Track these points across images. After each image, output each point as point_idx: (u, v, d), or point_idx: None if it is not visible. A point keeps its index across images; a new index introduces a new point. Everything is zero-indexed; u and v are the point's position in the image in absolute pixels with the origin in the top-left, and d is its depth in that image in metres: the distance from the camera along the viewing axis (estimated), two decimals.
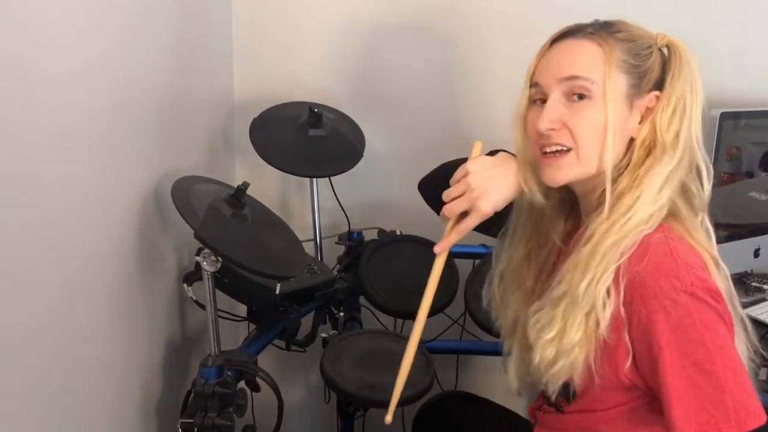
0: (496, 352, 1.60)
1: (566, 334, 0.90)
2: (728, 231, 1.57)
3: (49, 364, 0.97)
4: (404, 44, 1.79)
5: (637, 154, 0.92)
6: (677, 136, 0.91)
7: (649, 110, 0.94)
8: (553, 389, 0.95)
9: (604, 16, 0.97)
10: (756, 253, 1.64)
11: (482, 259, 1.64)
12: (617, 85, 0.91)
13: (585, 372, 0.90)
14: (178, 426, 1.18)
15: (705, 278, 0.85)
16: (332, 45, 1.79)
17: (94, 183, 1.07)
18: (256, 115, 1.60)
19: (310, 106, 1.59)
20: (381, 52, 1.79)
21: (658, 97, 0.93)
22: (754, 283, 1.62)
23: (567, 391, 0.96)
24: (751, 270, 1.67)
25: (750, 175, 1.67)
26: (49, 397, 0.97)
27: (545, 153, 0.94)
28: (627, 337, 0.86)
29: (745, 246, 1.62)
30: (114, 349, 1.17)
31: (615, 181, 0.92)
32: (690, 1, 1.71)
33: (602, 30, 0.93)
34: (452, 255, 1.66)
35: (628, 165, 0.93)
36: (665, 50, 0.95)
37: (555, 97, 0.92)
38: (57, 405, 0.99)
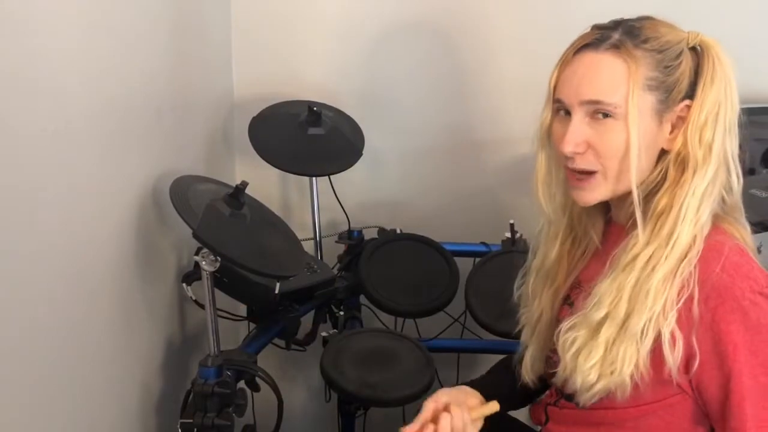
0: (497, 350, 1.60)
1: (613, 363, 0.88)
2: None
3: (48, 364, 0.96)
4: (404, 42, 1.78)
5: (673, 170, 0.89)
6: (710, 149, 0.87)
7: (680, 119, 0.90)
8: (592, 401, 0.93)
9: (607, 16, 0.93)
10: (758, 251, 1.63)
11: (483, 258, 1.63)
12: (643, 105, 0.87)
13: (645, 378, 0.89)
14: (178, 426, 1.18)
15: None
16: (331, 43, 1.78)
17: (92, 183, 1.07)
18: (255, 114, 1.60)
19: (310, 105, 1.59)
20: (380, 50, 1.79)
21: (689, 107, 0.89)
22: None
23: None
24: None
25: (752, 172, 1.66)
26: (49, 397, 0.97)
27: (571, 172, 0.93)
28: (694, 338, 0.85)
29: None
30: (113, 349, 1.17)
31: (652, 195, 0.90)
32: None
33: (629, 39, 0.88)
34: (453, 254, 1.66)
35: (663, 180, 0.90)
36: (699, 48, 0.90)
37: (578, 119, 0.89)
38: (56, 404, 0.99)
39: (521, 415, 1.29)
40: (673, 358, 0.85)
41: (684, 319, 0.85)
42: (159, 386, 1.36)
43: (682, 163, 0.89)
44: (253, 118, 1.59)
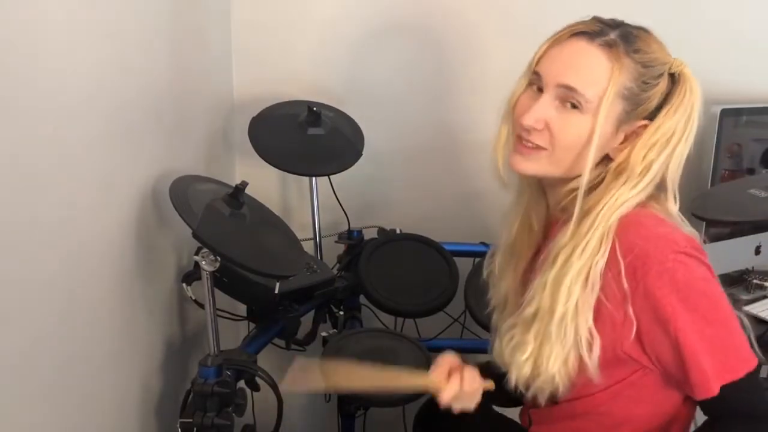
0: None
1: (541, 360, 0.91)
2: (729, 228, 1.57)
3: (47, 364, 0.96)
4: (403, 43, 1.79)
5: (610, 177, 0.92)
6: (648, 168, 0.90)
7: (634, 134, 0.93)
8: (542, 399, 0.96)
9: (596, 14, 0.95)
10: (757, 251, 1.64)
11: (482, 257, 1.63)
12: (612, 110, 0.90)
13: (572, 376, 0.92)
14: (178, 426, 1.18)
15: (691, 238, 0.90)
16: (331, 43, 1.78)
17: (92, 182, 1.07)
18: (255, 114, 1.60)
19: (309, 105, 1.59)
20: (381, 50, 1.79)
21: (645, 126, 0.92)
22: (755, 281, 1.62)
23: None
24: (752, 267, 1.66)
25: (751, 171, 1.67)
26: (48, 397, 0.97)
27: (521, 140, 0.94)
28: (631, 310, 0.87)
29: (745, 243, 1.62)
30: (113, 349, 1.17)
31: (585, 194, 0.92)
32: None
33: (622, 43, 0.90)
34: (452, 254, 1.66)
35: (599, 183, 0.93)
36: (677, 76, 0.93)
37: (548, 98, 0.91)
38: (56, 404, 0.99)
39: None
40: (591, 359, 0.88)
41: (618, 297, 0.87)
42: (159, 385, 1.36)
43: (620, 174, 0.91)
44: (253, 119, 1.59)
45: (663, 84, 0.91)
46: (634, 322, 0.87)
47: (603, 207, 0.89)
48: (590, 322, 0.88)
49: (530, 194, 1.04)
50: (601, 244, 0.89)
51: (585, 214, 0.90)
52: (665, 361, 0.89)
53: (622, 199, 0.90)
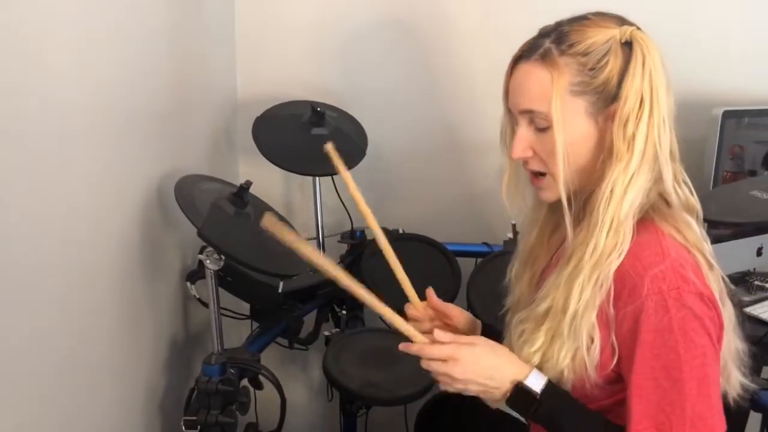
0: None
1: (552, 352, 0.91)
2: (730, 230, 1.57)
3: (53, 362, 0.97)
4: (407, 45, 1.79)
5: (605, 165, 0.89)
6: (632, 142, 0.87)
7: (616, 116, 0.90)
8: None
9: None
10: (758, 252, 1.64)
11: (485, 258, 1.64)
12: (573, 110, 0.89)
13: (573, 380, 0.91)
14: (182, 423, 1.18)
15: (693, 281, 0.85)
16: (335, 44, 1.79)
17: (97, 183, 1.07)
18: (259, 114, 1.61)
19: (313, 105, 1.60)
20: (384, 51, 1.80)
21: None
22: (756, 282, 1.62)
23: None
24: (754, 269, 1.66)
25: (753, 173, 1.67)
26: (53, 395, 0.98)
27: (530, 172, 0.96)
28: (613, 336, 0.87)
29: (747, 245, 1.62)
30: (118, 347, 1.17)
31: (593, 191, 0.90)
32: None
33: (555, 47, 0.89)
34: (455, 254, 1.67)
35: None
36: (630, 44, 0.89)
37: (523, 126, 0.92)
38: (61, 402, 1.00)
39: None
40: (589, 359, 0.88)
41: (604, 317, 0.87)
42: (163, 383, 1.36)
43: (609, 157, 0.89)
44: (257, 119, 1.60)
45: (615, 59, 0.88)
46: (617, 348, 0.87)
47: (601, 199, 0.88)
48: (593, 318, 0.88)
49: (555, 205, 1.02)
50: (616, 243, 0.87)
51: (592, 210, 0.89)
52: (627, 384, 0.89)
53: (620, 185, 0.87)
